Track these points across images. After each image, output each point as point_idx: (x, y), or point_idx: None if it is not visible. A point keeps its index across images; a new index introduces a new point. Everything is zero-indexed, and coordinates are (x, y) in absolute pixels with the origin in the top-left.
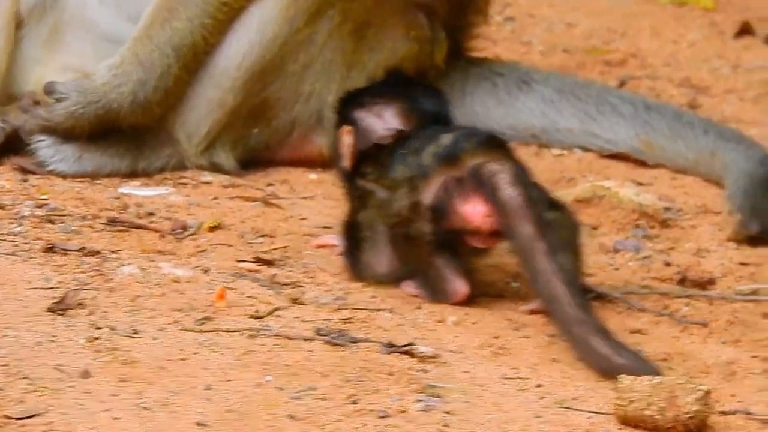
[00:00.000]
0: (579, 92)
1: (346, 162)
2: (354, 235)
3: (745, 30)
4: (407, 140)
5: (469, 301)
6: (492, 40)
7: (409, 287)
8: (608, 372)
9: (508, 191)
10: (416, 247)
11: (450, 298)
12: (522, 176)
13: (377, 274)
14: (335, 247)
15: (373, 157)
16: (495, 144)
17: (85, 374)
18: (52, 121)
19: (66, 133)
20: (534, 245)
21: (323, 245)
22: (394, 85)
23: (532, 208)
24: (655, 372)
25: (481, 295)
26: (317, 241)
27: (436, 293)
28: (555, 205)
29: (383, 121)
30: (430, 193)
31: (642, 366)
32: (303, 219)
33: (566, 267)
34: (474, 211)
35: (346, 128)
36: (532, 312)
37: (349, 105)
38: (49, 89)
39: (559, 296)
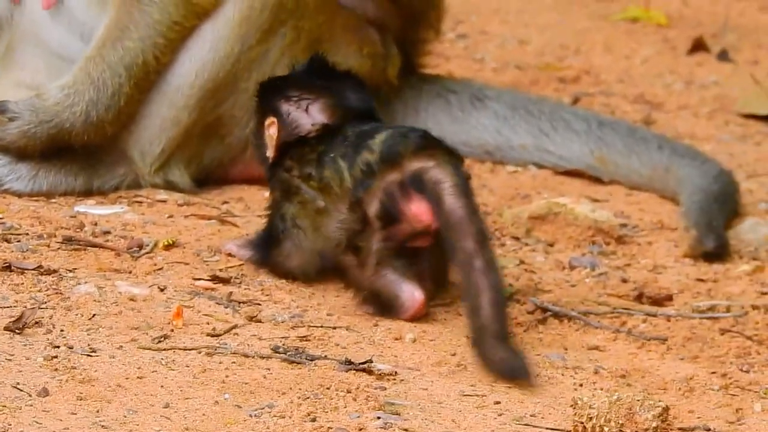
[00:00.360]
0: (532, 109)
1: (270, 153)
2: (273, 227)
3: (698, 46)
4: (332, 137)
5: (425, 317)
6: (445, 56)
7: (359, 305)
8: (485, 366)
9: (450, 201)
10: (365, 262)
11: (406, 310)
12: (464, 186)
13: (290, 268)
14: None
15: (296, 150)
16: (430, 143)
17: (44, 393)
18: (5, 140)
19: (19, 152)
20: (472, 261)
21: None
22: (317, 76)
23: (475, 224)
24: (530, 381)
25: (437, 308)
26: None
27: (390, 309)
28: None
29: (309, 116)
30: (375, 201)
31: (511, 360)
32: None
33: (495, 287)
34: (420, 210)
35: (271, 119)
36: None
37: (272, 94)
38: (1, 108)
39: (481, 308)
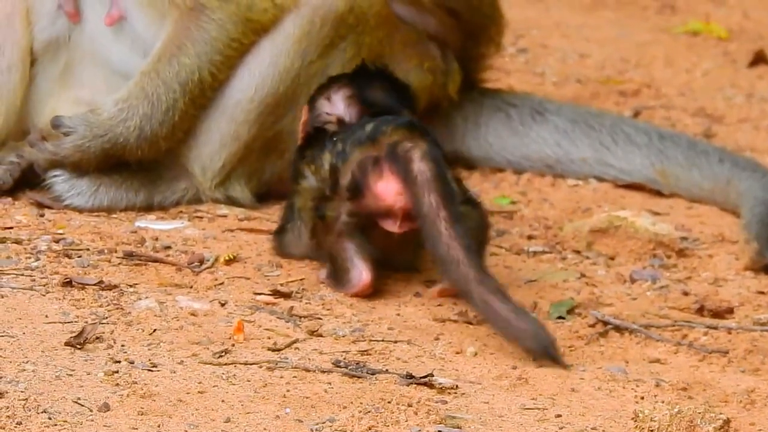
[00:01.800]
0: (593, 122)
1: (299, 141)
2: (285, 214)
3: (759, 59)
4: (345, 128)
5: (486, 332)
6: (505, 71)
7: (323, 275)
8: (509, 336)
9: (419, 165)
10: (329, 229)
11: (352, 286)
12: (434, 154)
13: (292, 255)
14: None
15: (315, 139)
16: (413, 127)
17: (105, 408)
18: (60, 154)
19: (74, 167)
20: (438, 213)
21: None
22: (360, 75)
23: (439, 182)
24: (552, 342)
25: None
26: None
27: (340, 282)
28: (470, 201)
29: (330, 104)
30: (348, 172)
31: (540, 332)
32: None
33: (467, 235)
34: (387, 188)
35: (305, 107)
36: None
37: (319, 88)
38: (56, 123)
39: (459, 258)
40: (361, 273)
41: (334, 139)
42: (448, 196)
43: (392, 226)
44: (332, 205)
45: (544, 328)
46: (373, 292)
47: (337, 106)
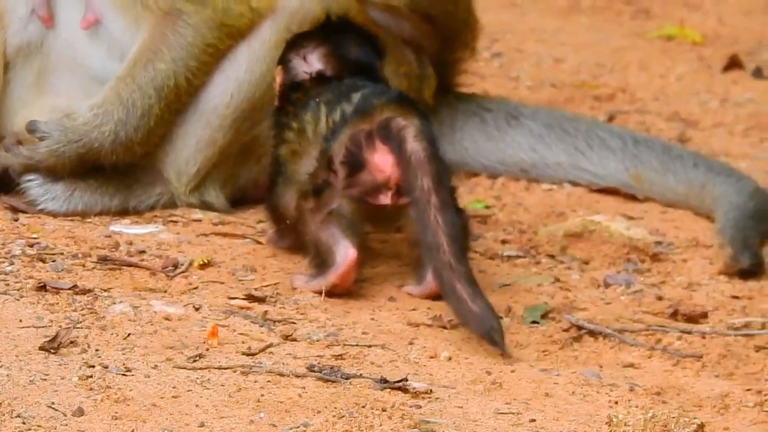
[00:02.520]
0: (568, 126)
1: (275, 101)
2: (270, 170)
3: (733, 63)
4: (327, 85)
5: (462, 335)
6: (480, 75)
7: (299, 281)
8: (461, 319)
9: (413, 144)
10: (319, 206)
11: (338, 266)
12: (427, 132)
13: (284, 208)
14: None
15: (294, 95)
16: (405, 101)
17: (79, 412)
18: (35, 159)
19: (49, 171)
20: (429, 198)
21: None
22: (331, 30)
23: (433, 164)
24: (496, 327)
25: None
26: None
27: (324, 264)
28: (455, 207)
29: (307, 64)
30: (341, 147)
31: (487, 316)
32: (293, 255)
33: (453, 224)
34: (383, 160)
35: (278, 68)
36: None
37: (287, 47)
38: (31, 128)
39: (441, 245)
40: (346, 251)
41: (317, 99)
42: (441, 178)
43: (385, 199)
44: (326, 182)
45: (492, 313)
46: (349, 294)
47: (314, 65)
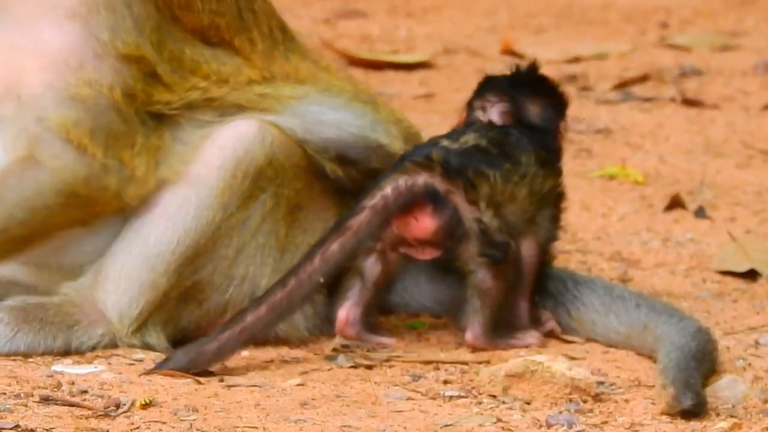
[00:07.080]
0: None
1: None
2: None
3: (675, 203)
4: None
5: None
6: None
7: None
8: None
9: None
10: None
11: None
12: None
13: None
14: None
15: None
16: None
17: None
18: None
19: None
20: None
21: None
22: (518, 83)
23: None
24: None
25: None
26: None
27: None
28: None
29: (484, 114)
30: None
31: None
32: (236, 394)
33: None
34: (424, 225)
35: (464, 107)
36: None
37: (480, 92)
38: None
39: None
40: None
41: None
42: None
43: (420, 254)
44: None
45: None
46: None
47: (491, 116)
